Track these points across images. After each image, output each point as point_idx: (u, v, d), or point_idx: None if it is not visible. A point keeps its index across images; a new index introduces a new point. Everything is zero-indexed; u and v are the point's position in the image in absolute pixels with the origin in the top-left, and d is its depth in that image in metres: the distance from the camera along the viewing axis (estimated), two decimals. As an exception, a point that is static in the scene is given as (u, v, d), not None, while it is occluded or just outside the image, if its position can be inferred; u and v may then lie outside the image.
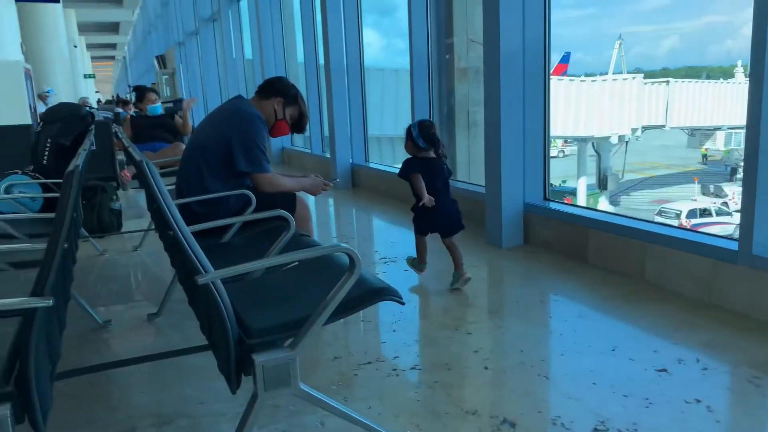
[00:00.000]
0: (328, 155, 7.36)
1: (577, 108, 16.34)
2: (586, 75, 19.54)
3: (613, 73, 19.82)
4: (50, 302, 1.31)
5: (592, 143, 17.61)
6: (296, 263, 2.09)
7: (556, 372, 2.22)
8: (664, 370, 2.15)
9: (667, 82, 17.72)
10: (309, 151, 8.52)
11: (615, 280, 3.14)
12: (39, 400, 1.32)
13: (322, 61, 7.24)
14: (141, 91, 5.61)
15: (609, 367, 2.20)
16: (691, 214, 17.69)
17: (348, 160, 6.72)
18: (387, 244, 4.15)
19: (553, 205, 3.82)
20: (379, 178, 6.13)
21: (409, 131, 3.04)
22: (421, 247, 3.25)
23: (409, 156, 3.08)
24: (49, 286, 1.34)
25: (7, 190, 3.46)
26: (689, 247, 2.84)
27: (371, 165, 6.59)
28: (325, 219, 5.50)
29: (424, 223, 3.14)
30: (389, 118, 11.04)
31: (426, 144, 3.02)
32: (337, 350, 2.45)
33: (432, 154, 3.02)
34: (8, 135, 5.01)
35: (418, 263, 3.30)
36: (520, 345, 2.43)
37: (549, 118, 3.85)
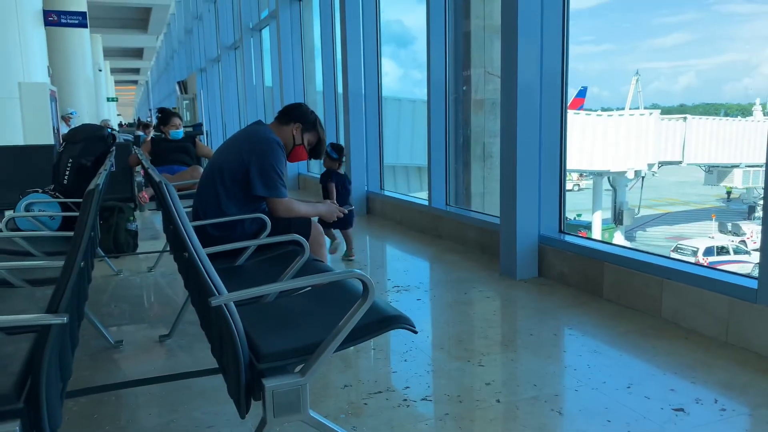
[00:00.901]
0: (343, 182, 7.39)
1: (593, 142, 16.34)
2: (603, 110, 19.58)
3: (630, 109, 19.85)
4: (65, 320, 1.31)
5: (608, 178, 17.57)
6: (309, 288, 2.09)
7: (570, 408, 2.17)
8: (681, 410, 2.10)
9: (684, 118, 17.69)
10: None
11: (630, 315, 3.09)
12: (48, 418, 1.32)
13: (340, 89, 7.33)
14: (166, 115, 5.58)
15: (624, 405, 2.15)
16: (708, 251, 17.46)
17: (363, 188, 6.75)
18: (400, 272, 4.13)
19: (568, 238, 3.79)
20: (394, 206, 6.14)
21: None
22: (330, 236, 4.29)
23: (326, 169, 4.24)
24: (64, 304, 1.35)
25: (27, 208, 3.51)
26: (708, 284, 2.79)
27: (386, 193, 6.61)
28: (338, 245, 5.49)
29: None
30: (405, 147, 11.11)
31: (336, 154, 4.26)
32: (347, 378, 2.42)
33: (341, 170, 4.12)
34: (32, 154, 5.11)
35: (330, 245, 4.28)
36: (534, 379, 2.39)
37: (565, 151, 3.85)
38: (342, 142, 7.26)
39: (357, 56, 6.59)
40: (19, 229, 3.29)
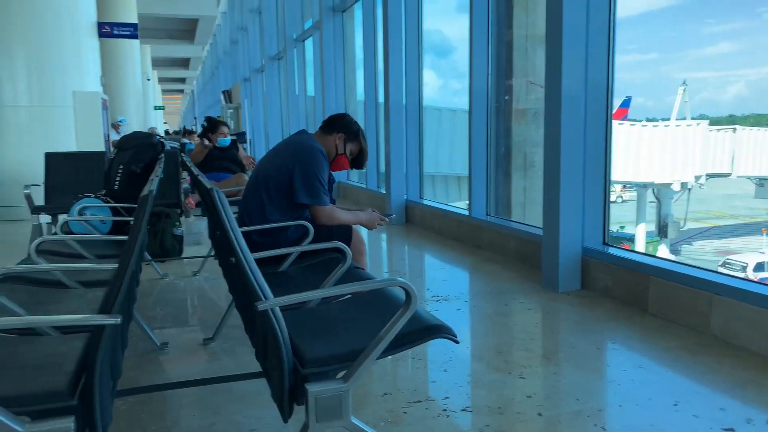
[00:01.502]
0: (383, 191, 7.43)
1: (638, 153, 15.98)
2: (648, 120, 19.14)
3: (677, 119, 19.34)
4: (118, 321, 1.36)
5: (653, 189, 17.13)
6: (349, 295, 2.10)
7: (614, 424, 2.13)
8: (732, 430, 2.03)
9: (734, 129, 17.14)
10: (364, 185, 8.63)
11: (677, 331, 3.01)
12: (101, 415, 1.36)
13: (381, 99, 7.38)
14: (214, 123, 5.68)
15: (671, 423, 2.09)
16: (759, 267, 16.81)
17: (403, 197, 6.77)
18: (439, 281, 4.12)
19: (612, 251, 3.71)
20: (433, 215, 6.13)
21: None
22: None
23: None
24: (117, 305, 1.40)
25: (80, 212, 3.64)
26: (760, 300, 2.70)
27: (425, 202, 6.60)
28: (377, 253, 5.52)
29: None
30: (444, 156, 11.10)
31: None
32: (387, 386, 2.43)
33: None
34: (84, 161, 5.29)
35: None
36: (576, 393, 2.35)
37: (610, 161, 3.78)
38: (382, 151, 7.31)
39: (398, 66, 6.63)
40: (72, 232, 3.41)
